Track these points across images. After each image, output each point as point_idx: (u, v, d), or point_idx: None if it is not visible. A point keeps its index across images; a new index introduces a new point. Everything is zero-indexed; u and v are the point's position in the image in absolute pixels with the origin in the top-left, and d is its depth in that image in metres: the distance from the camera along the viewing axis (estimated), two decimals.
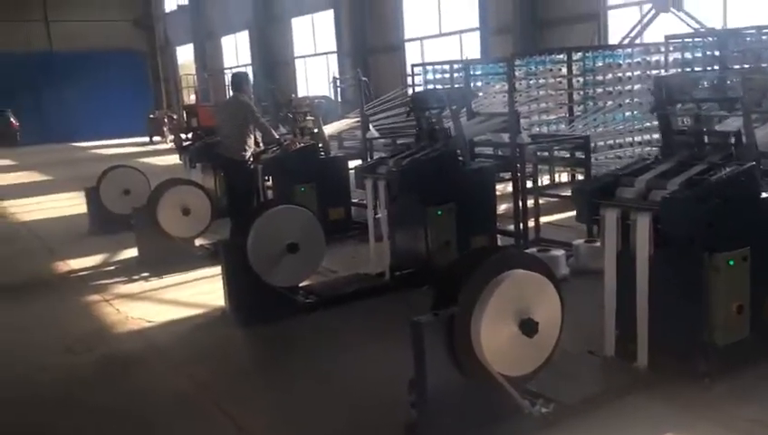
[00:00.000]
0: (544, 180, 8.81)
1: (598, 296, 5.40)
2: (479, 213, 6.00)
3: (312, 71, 23.88)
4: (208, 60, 30.05)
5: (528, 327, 3.28)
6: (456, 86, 9.74)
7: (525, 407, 3.37)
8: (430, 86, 11.61)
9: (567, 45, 10.73)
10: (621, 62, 9.36)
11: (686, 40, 8.39)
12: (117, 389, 4.39)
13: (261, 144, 8.18)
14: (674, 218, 3.62)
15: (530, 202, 7.00)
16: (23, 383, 4.53)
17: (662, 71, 9.03)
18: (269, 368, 4.57)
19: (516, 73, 9.98)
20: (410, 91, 11.95)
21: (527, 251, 6.02)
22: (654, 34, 12.12)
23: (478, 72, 11.42)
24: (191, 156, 9.86)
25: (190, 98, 26.65)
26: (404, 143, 7.24)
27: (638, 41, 11.89)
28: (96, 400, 4.23)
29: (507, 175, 6.79)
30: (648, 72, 9.14)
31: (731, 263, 3.71)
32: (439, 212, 5.80)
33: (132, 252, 7.56)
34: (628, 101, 9.12)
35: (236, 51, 28.87)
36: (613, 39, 13.25)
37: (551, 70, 10.00)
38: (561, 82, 9.93)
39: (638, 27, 12.53)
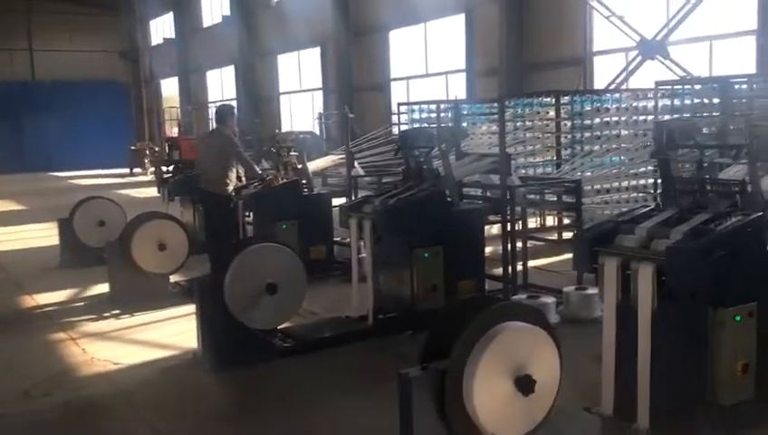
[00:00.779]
0: (530, 223, 8.66)
1: (590, 346, 5.18)
2: (467, 256, 5.79)
3: (297, 107, 23.81)
4: (193, 93, 29.95)
5: (524, 384, 3.04)
6: (446, 125, 9.61)
7: None
8: (416, 125, 11.49)
9: (552, 89, 10.71)
10: (609, 106, 9.31)
11: (677, 87, 8.35)
12: None
13: (243, 179, 7.95)
14: (680, 270, 3.41)
15: (517, 245, 6.81)
16: None
17: (649, 117, 8.99)
18: (238, 419, 4.25)
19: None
20: (396, 129, 11.83)
21: (519, 299, 5.81)
22: (639, 81, 12.19)
23: (464, 113, 11.36)
24: (170, 189, 9.58)
25: (173, 131, 26.43)
26: (390, 182, 7.04)
27: (623, 87, 11.93)
28: None
29: (494, 217, 6.61)
30: (636, 118, 9.10)
31: (737, 319, 3.51)
32: (426, 255, 5.58)
33: (104, 287, 7.23)
34: (615, 146, 9.04)
35: (222, 85, 28.81)
36: (599, 84, 13.29)
37: (538, 113, 9.94)
38: (548, 125, 9.87)
39: (624, 73, 12.61)
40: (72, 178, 25.75)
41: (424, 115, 12.40)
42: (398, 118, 12.59)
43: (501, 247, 6.14)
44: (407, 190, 5.82)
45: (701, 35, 11.94)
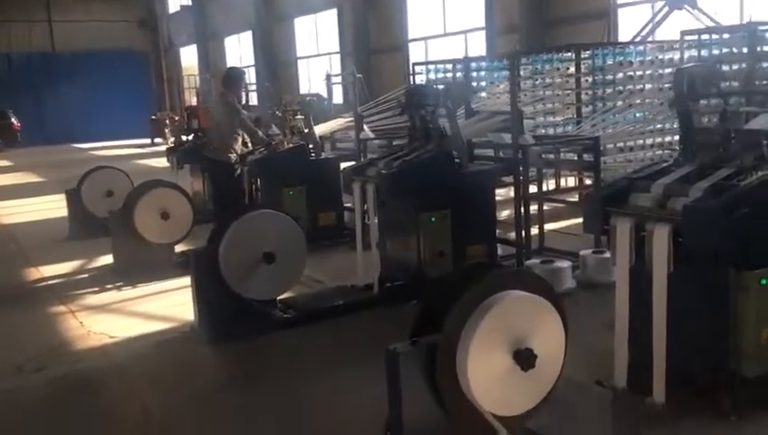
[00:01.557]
0: (549, 185, 8.31)
1: (606, 313, 4.88)
2: (477, 220, 5.49)
3: (315, 71, 23.42)
4: (211, 61, 29.65)
5: (524, 359, 2.77)
6: (455, 81, 9.20)
7: None
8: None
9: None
10: (633, 60, 8.82)
11: (704, 37, 7.83)
12: (58, 415, 3.89)
13: (249, 145, 7.70)
14: (699, 230, 3.09)
15: (533, 208, 6.49)
16: None
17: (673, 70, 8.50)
18: (234, 393, 4.06)
19: (522, 72, 9.47)
20: None
21: (528, 264, 5.51)
22: (667, 33, 11.60)
23: (482, 73, 10.92)
24: (178, 157, 9.38)
25: (192, 99, 26.24)
26: (399, 145, 6.73)
27: (649, 40, 11.36)
28: (30, 429, 3.73)
29: (508, 179, 6.29)
30: (661, 71, 8.61)
31: (763, 282, 3.19)
32: (433, 219, 5.29)
33: (109, 258, 7.08)
34: (639, 101, 8.58)
35: (240, 51, 28.48)
36: (624, 38, 12.70)
37: (558, 69, 9.47)
38: (568, 82, 9.40)
39: (650, 25, 12.01)
40: (92, 149, 25.79)
41: (440, 75, 11.97)
42: (414, 79, 12.14)
43: (512, 211, 5.82)
44: (412, 152, 5.52)
45: None
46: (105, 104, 30.74)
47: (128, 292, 6.20)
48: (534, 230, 6.34)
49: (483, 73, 10.89)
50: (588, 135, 6.97)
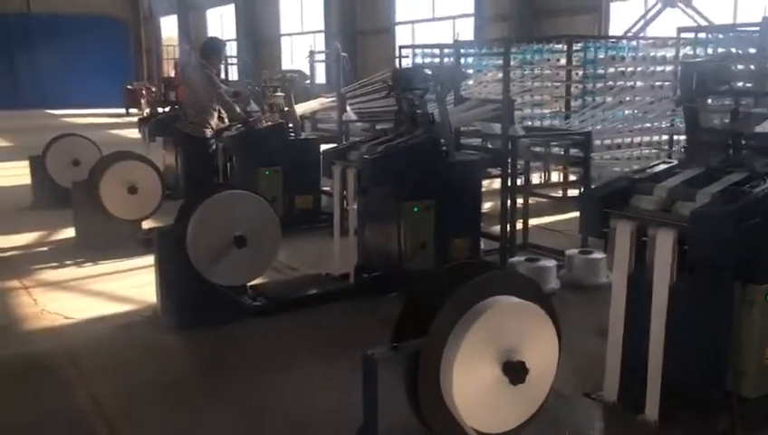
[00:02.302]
0: (533, 179, 8.10)
1: (594, 317, 4.68)
2: (462, 212, 5.24)
3: (299, 49, 22.93)
4: (192, 32, 28.94)
5: (514, 372, 2.52)
6: (444, 65, 8.91)
7: None
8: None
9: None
10: (625, 55, 8.60)
11: (700, 34, 7.64)
12: None
13: (225, 120, 7.36)
14: (706, 238, 2.85)
15: (518, 202, 6.25)
16: None
17: (668, 67, 8.31)
18: (191, 386, 3.76)
19: (511, 62, 9.22)
20: None
21: (512, 261, 5.27)
22: (658, 30, 11.42)
23: (470, 59, 10.65)
24: (150, 129, 8.98)
25: (170, 71, 25.59)
26: (383, 129, 6.44)
27: (641, 35, 11.16)
28: None
29: (494, 171, 6.04)
30: (654, 68, 8.41)
31: None
32: (416, 209, 5.02)
33: (72, 232, 6.71)
34: (629, 98, 8.38)
35: (221, 25, 27.84)
36: (614, 33, 12.50)
37: (548, 60, 9.23)
38: (558, 74, 9.16)
39: (642, 21, 11.82)
40: (66, 116, 25.04)
41: (428, 60, 11.68)
42: (400, 62, 11.84)
43: (496, 203, 5.57)
44: (397, 137, 5.23)
45: None
46: (81, 70, 29.86)
47: (88, 269, 5.85)
48: (519, 225, 6.11)
49: (471, 60, 10.63)
50: (578, 130, 6.74)
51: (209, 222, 4.52)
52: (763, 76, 3.58)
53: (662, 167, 3.43)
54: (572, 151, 6.78)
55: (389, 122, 6.91)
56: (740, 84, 3.74)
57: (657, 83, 8.27)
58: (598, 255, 5.32)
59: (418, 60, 11.71)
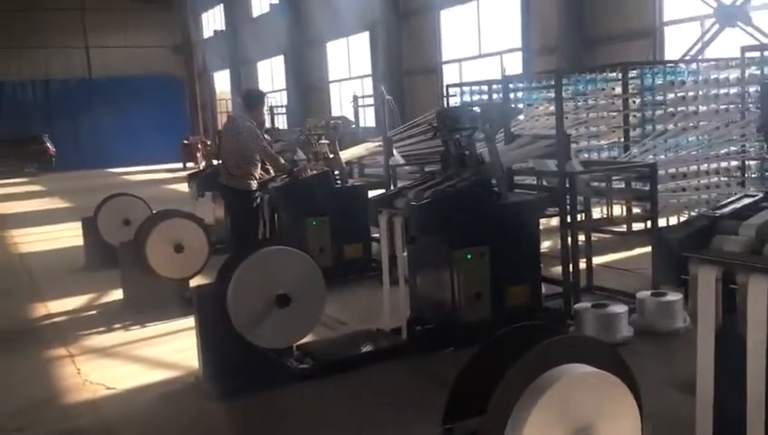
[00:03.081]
0: (594, 213, 7.65)
1: (673, 370, 4.23)
2: (518, 257, 4.88)
3: (347, 95, 23.06)
4: (244, 85, 29.58)
5: None
6: (492, 102, 8.60)
7: None
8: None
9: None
10: (685, 79, 8.14)
11: (766, 53, 7.15)
12: None
13: (271, 171, 7.23)
14: None
15: (580, 239, 5.84)
16: None
17: (732, 90, 7.81)
18: None
19: (563, 94, 8.88)
20: None
21: (577, 308, 4.84)
22: (716, 52, 10.90)
23: (520, 94, 10.35)
24: (198, 184, 8.93)
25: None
26: (431, 171, 6.16)
27: (699, 58, 10.65)
28: None
29: (551, 209, 5.66)
30: (717, 92, 7.91)
31: None
32: (469, 256, 4.69)
33: (121, 293, 6.61)
34: (692, 124, 7.89)
35: (272, 75, 28.38)
36: (670, 58, 12.01)
37: (602, 89, 8.84)
38: (614, 103, 8.75)
39: (700, 44, 11.32)
40: (125, 174, 25.75)
41: (476, 97, 11.43)
42: (447, 101, 11.62)
43: (555, 242, 5.18)
44: (445, 180, 4.94)
45: None
46: (140, 129, 30.88)
47: (134, 332, 5.70)
48: (581, 264, 5.69)
49: (520, 95, 10.32)
50: (640, 161, 6.31)
51: (250, 281, 4.28)
52: None
53: (745, 201, 3.02)
54: (635, 184, 6.37)
55: (438, 164, 6.66)
56: None
57: (723, 107, 7.78)
58: (672, 296, 4.86)
59: (466, 98, 11.49)
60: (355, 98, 9.32)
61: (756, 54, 7.36)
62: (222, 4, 30.99)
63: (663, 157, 6.98)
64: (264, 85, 29.08)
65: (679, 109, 7.96)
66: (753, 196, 3.13)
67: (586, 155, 8.32)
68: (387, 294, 4.94)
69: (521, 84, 10.00)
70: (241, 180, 6.66)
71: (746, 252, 2.69)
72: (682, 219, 8.24)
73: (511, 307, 4.86)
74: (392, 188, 7.09)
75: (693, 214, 7.76)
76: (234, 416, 4.07)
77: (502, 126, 5.43)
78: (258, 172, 6.78)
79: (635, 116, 8.50)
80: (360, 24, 20.43)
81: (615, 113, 8.65)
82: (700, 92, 7.94)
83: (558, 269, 5.52)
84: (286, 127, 19.61)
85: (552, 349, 2.25)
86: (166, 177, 22.93)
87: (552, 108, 9.49)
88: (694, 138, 7.76)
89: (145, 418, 4.07)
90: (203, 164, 23.41)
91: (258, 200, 6.85)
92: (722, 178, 7.51)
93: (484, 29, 16.92)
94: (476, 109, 5.44)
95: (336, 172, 7.03)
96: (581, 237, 5.64)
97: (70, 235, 10.82)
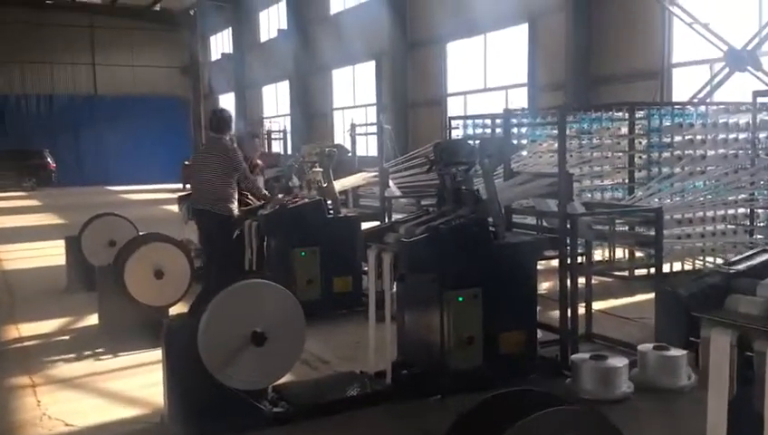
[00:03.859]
0: (594, 256, 7.37)
1: (673, 432, 3.93)
2: (514, 301, 4.60)
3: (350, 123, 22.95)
4: (249, 109, 29.56)
5: None
6: (492, 136, 8.36)
7: None
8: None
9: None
10: (694, 122, 7.90)
11: None
12: None
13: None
14: None
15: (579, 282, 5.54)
16: None
17: (741, 135, 7.58)
18: None
19: (567, 132, 8.66)
20: None
21: (574, 359, 4.53)
22: (725, 96, 10.73)
23: (523, 130, 10.13)
24: (188, 206, 8.65)
25: None
26: (425, 207, 5.90)
27: (707, 101, 10.46)
28: None
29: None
30: (726, 136, 7.67)
31: None
32: (461, 299, 4.41)
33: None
34: (699, 169, 7.63)
35: (276, 100, 28.34)
36: (677, 100, 11.83)
37: (608, 128, 8.61)
38: (619, 143, 8.52)
39: (708, 87, 11.14)
40: (124, 192, 25.57)
41: (479, 131, 11.21)
42: (450, 133, 11.41)
43: (554, 283, 4.90)
44: (439, 217, 4.67)
45: None
46: (143, 148, 30.79)
47: (106, 362, 5.39)
48: (579, 310, 5.39)
49: (524, 130, 10.09)
50: (646, 204, 6.04)
51: (224, 316, 3.99)
52: None
53: (763, 257, 2.74)
54: (637, 228, 6.10)
55: (434, 198, 6.40)
56: None
57: (731, 152, 7.53)
58: (676, 352, 4.55)
59: (469, 131, 11.27)
60: (353, 126, 9.08)
61: None
62: (230, 28, 31.09)
63: (668, 201, 6.70)
64: (268, 110, 29.05)
65: (686, 152, 7.72)
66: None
67: (588, 195, 8.06)
68: (372, 335, 4.64)
69: (524, 120, 9.77)
70: (224, 204, 6.43)
71: (765, 316, 2.41)
72: (686, 266, 8.08)
73: (504, 355, 4.57)
74: (386, 220, 6.84)
75: (698, 261, 7.51)
76: None
77: (501, 162, 5.18)
78: (236, 195, 6.57)
79: (640, 157, 8.27)
80: (367, 53, 20.39)
81: (620, 154, 8.41)
82: (708, 136, 7.71)
83: (554, 313, 5.23)
84: (290, 153, 19.42)
85: (544, 423, 1.95)
86: (164, 197, 22.68)
87: (556, 145, 9.35)
88: (701, 183, 7.50)
89: None
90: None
91: (235, 226, 6.59)
92: (728, 226, 7.24)
93: (490, 63, 16.82)
94: (475, 142, 5.19)
95: (329, 201, 6.77)
96: (581, 280, 5.36)
97: (57, 253, 10.48)
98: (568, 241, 4.90)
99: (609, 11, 13.37)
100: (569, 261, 4.88)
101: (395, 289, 4.68)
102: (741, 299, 2.49)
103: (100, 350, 5.63)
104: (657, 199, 6.70)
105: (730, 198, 7.19)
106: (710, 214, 7.21)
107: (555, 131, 9.32)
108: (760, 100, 7.18)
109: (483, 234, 4.53)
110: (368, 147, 15.94)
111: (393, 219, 6.50)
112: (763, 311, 2.43)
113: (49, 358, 5.48)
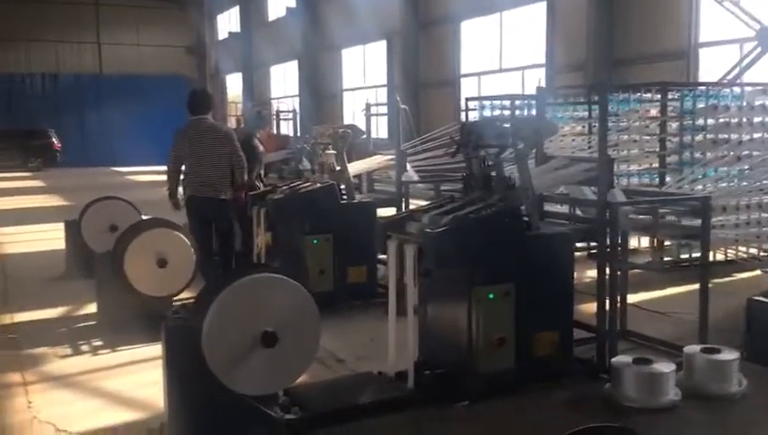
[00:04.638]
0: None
1: None
2: (550, 299, 4.18)
3: (360, 104, 22.48)
4: (256, 89, 29.09)
5: None
6: (527, 116, 7.90)
7: None
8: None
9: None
10: (729, 104, 7.41)
11: None
12: None
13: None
14: None
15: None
16: None
17: None
18: None
19: (591, 114, 8.21)
20: None
21: (615, 362, 4.10)
22: (756, 76, 10.23)
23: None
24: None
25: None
26: (448, 191, 5.49)
27: (738, 82, 9.96)
28: None
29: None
30: (763, 119, 7.19)
31: None
32: (491, 295, 4.00)
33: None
34: (746, 152, 7.14)
35: (285, 81, 27.85)
36: (703, 81, 11.32)
37: (637, 111, 8.13)
38: (648, 126, 8.04)
39: (738, 68, 10.63)
40: (130, 173, 25.22)
41: (496, 113, 10.76)
42: (467, 115, 10.94)
43: (585, 273, 4.49)
44: (467, 205, 4.24)
45: None
46: (148, 128, 30.18)
47: (104, 357, 5.03)
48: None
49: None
50: (690, 191, 5.60)
51: (231, 315, 3.58)
52: None
53: None
54: (676, 218, 5.65)
55: (456, 183, 5.97)
56: None
57: None
58: (727, 355, 4.12)
59: (486, 113, 10.81)
60: (368, 106, 8.63)
61: None
62: (238, 6, 30.54)
63: (710, 186, 6.25)
64: (276, 91, 28.58)
65: (721, 136, 7.24)
66: None
67: (616, 181, 7.62)
68: (393, 334, 4.22)
69: (549, 100, 9.30)
70: (220, 188, 6.12)
71: None
72: (719, 256, 7.64)
73: (537, 357, 4.17)
74: (404, 207, 6.43)
75: (737, 251, 7.06)
76: None
77: (536, 145, 4.73)
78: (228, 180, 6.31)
79: (671, 141, 7.80)
80: (378, 32, 19.86)
81: (648, 137, 7.94)
82: (744, 119, 7.23)
83: (587, 307, 4.83)
84: (299, 134, 19.03)
85: None
86: None
87: (580, 128, 8.87)
88: (736, 170, 7.03)
89: None
90: None
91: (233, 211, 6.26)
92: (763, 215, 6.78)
93: (506, 42, 16.29)
94: (506, 124, 4.74)
95: (342, 186, 6.35)
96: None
97: (59, 236, 10.18)
98: (608, 232, 4.47)
99: None
100: (608, 254, 4.46)
101: (418, 285, 4.28)
102: None
103: (97, 343, 5.29)
104: (701, 186, 6.24)
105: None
106: (755, 200, 6.77)
107: (578, 113, 8.94)
108: None
109: (516, 224, 4.11)
110: (378, 128, 15.53)
111: (411, 206, 6.09)
112: None
113: (45, 350, 5.12)
